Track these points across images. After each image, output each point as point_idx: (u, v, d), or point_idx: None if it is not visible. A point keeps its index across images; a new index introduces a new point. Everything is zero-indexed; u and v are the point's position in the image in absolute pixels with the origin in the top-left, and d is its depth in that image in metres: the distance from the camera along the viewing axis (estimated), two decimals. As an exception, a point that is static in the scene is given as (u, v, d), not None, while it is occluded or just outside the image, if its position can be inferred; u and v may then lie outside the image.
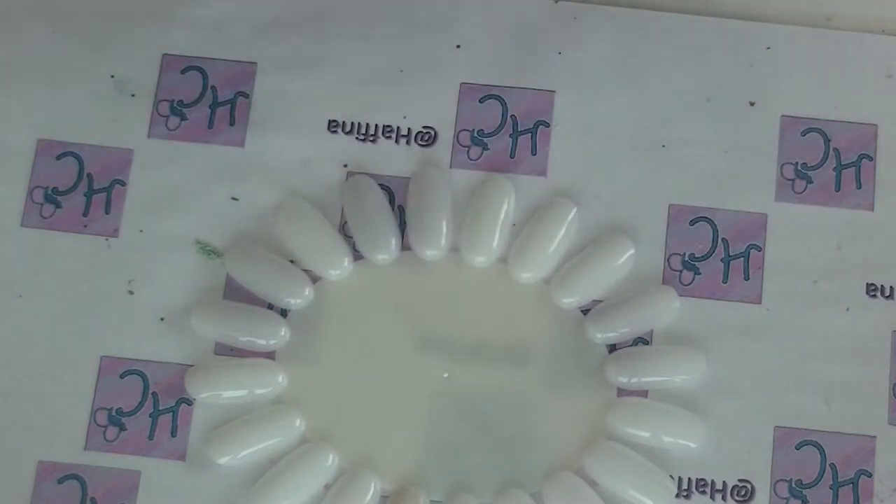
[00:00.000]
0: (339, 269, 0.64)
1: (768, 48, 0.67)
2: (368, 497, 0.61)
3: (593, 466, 0.61)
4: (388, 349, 0.63)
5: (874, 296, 0.64)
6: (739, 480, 0.62)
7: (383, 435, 0.62)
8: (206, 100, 0.67)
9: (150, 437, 0.62)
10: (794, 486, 0.62)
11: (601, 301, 0.63)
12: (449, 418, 0.62)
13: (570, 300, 0.63)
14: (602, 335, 0.63)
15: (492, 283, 0.64)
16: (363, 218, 0.64)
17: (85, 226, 0.65)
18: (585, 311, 0.63)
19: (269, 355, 0.63)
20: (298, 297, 0.63)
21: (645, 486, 0.61)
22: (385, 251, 0.64)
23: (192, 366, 0.63)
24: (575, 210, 0.64)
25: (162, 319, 0.64)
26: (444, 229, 0.64)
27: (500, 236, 0.64)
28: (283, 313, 0.64)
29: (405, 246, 0.64)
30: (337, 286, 0.64)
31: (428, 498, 0.61)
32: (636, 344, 0.63)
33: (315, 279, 0.64)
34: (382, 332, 0.63)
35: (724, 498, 0.62)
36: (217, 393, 0.62)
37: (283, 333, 0.63)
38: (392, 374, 0.63)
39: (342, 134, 0.66)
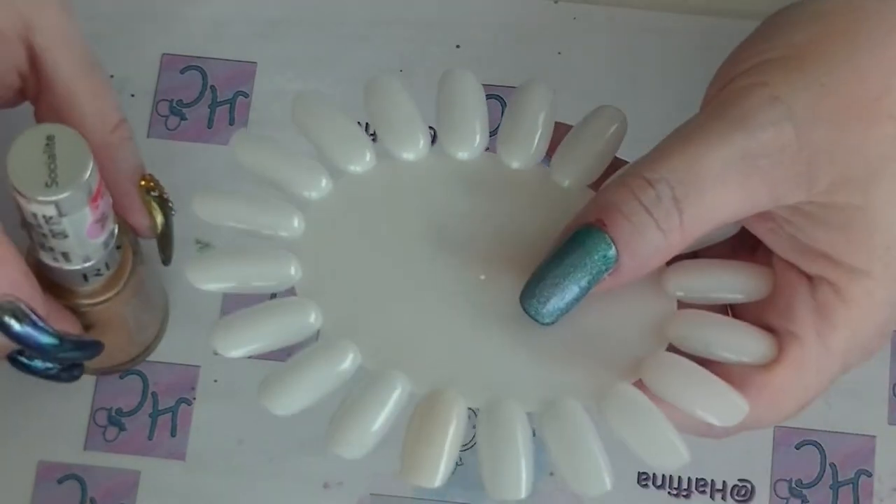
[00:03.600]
0: (361, 164, 0.54)
1: (768, 48, 0.67)
2: (396, 397, 0.50)
3: (652, 378, 0.51)
4: (418, 248, 0.53)
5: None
6: (739, 480, 0.62)
7: (412, 336, 0.52)
8: (205, 99, 0.67)
9: (150, 437, 0.62)
10: (794, 485, 0.62)
11: None
12: (486, 322, 0.52)
13: None
14: None
15: (532, 186, 0.55)
16: (389, 113, 0.55)
17: (85, 226, 0.65)
18: None
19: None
20: (315, 191, 0.53)
21: (710, 404, 0.51)
22: (413, 149, 0.55)
23: (192, 366, 0.63)
24: (625, 117, 0.56)
25: (162, 319, 0.63)
26: (479, 129, 0.56)
27: (540, 140, 0.56)
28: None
29: (435, 143, 0.56)
30: (360, 179, 0.54)
31: (465, 404, 0.50)
32: None
33: (335, 172, 0.54)
34: (412, 231, 0.53)
35: (724, 497, 0.62)
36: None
37: (297, 224, 0.53)
38: (422, 274, 0.53)
39: (342, 133, 0.66)
